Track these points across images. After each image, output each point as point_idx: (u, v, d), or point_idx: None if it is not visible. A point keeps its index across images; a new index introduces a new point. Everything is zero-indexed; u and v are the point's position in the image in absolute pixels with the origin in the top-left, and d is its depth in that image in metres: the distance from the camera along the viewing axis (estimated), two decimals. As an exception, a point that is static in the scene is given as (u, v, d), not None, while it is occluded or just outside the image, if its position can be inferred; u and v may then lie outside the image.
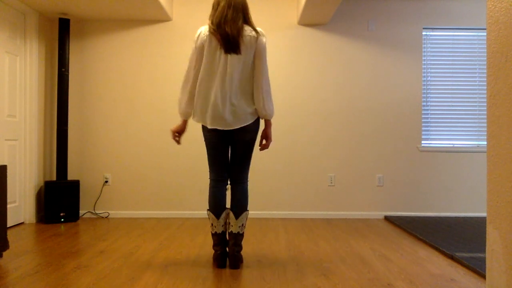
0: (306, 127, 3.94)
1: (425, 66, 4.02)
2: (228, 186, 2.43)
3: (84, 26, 3.93)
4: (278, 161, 3.93)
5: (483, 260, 2.42)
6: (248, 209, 2.40)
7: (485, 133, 4.03)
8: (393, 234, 3.26)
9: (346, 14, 3.97)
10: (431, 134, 4.02)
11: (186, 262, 2.44)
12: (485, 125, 4.02)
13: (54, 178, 3.92)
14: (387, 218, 3.83)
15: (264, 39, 2.28)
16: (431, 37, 4.04)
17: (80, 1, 3.37)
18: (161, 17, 3.84)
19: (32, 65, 3.58)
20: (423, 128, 4.01)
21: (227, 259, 2.35)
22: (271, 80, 3.92)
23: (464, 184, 3.96)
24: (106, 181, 3.91)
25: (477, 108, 4.02)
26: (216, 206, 2.33)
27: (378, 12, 3.99)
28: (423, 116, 4.01)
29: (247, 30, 2.25)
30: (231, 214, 2.32)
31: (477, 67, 4.02)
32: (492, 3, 1.25)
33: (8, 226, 3.37)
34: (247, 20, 2.28)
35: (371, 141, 3.96)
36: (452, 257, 2.56)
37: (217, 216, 2.32)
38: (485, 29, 4.05)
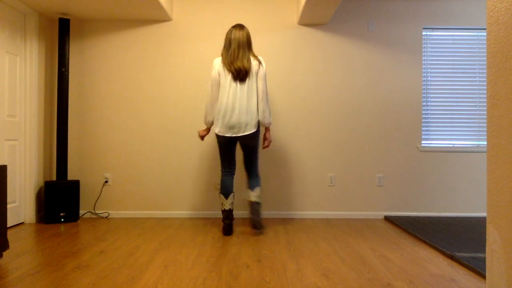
0: (306, 127, 3.94)
1: (425, 66, 4.02)
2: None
3: (84, 26, 3.93)
4: (278, 161, 3.93)
5: (483, 260, 2.42)
6: (261, 185, 3.32)
7: (485, 133, 4.04)
8: (393, 234, 3.26)
9: (346, 14, 3.97)
10: (431, 134, 4.02)
11: (186, 262, 2.44)
12: (485, 125, 4.03)
13: (54, 178, 3.92)
14: (387, 218, 3.83)
15: (264, 68, 3.11)
16: (431, 37, 4.04)
17: (80, 1, 3.37)
18: (161, 17, 3.84)
19: (32, 65, 3.58)
20: (423, 128, 4.01)
21: (251, 222, 3.19)
22: (271, 80, 3.93)
23: (464, 184, 3.96)
24: (106, 181, 3.91)
25: (477, 108, 4.02)
26: (225, 189, 3.15)
27: (378, 12, 3.99)
28: (423, 116, 4.01)
29: (252, 61, 3.06)
30: (249, 190, 3.16)
31: (477, 67, 4.02)
32: (492, 3, 1.25)
33: (8, 226, 3.37)
34: (250, 50, 3.10)
35: (371, 141, 3.96)
36: (452, 257, 2.56)
37: (226, 196, 3.14)
38: (485, 29, 4.05)
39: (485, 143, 4.02)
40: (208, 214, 3.91)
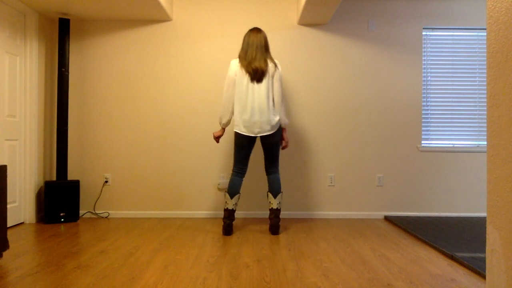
0: (306, 127, 3.94)
1: (425, 66, 4.02)
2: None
3: (84, 26, 3.93)
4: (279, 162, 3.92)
5: (483, 260, 2.42)
6: (282, 191, 3.31)
7: (485, 133, 4.04)
8: (393, 234, 3.26)
9: (346, 14, 3.97)
10: (431, 134, 4.02)
11: (186, 262, 2.44)
12: (485, 125, 4.03)
13: (54, 178, 3.92)
14: (387, 218, 3.83)
15: (280, 70, 3.19)
16: (431, 37, 4.04)
17: (80, 1, 3.37)
18: (161, 17, 3.85)
19: (32, 65, 3.58)
20: (423, 128, 4.01)
21: (270, 227, 3.20)
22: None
23: (464, 184, 3.96)
24: (106, 181, 3.91)
25: (477, 108, 4.02)
26: (232, 189, 3.17)
27: (378, 12, 3.99)
28: (423, 116, 4.01)
29: (269, 63, 3.14)
30: (271, 195, 3.19)
31: (477, 67, 4.02)
32: (492, 3, 1.25)
33: (8, 226, 3.37)
34: (268, 53, 3.18)
35: (371, 141, 3.96)
36: (452, 257, 2.56)
37: (231, 196, 3.16)
38: (485, 29, 4.05)
39: (485, 143, 4.02)
40: (208, 214, 3.92)
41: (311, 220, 3.80)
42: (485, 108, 4.05)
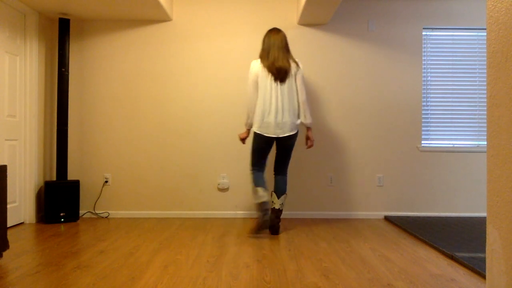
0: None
1: (425, 66, 4.02)
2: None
3: (84, 26, 3.93)
4: (278, 161, 3.93)
5: (483, 260, 2.42)
6: (286, 192, 3.24)
7: (485, 133, 4.03)
8: (393, 234, 3.26)
9: (346, 14, 3.97)
10: (431, 134, 4.02)
11: (186, 262, 2.44)
12: (485, 125, 4.03)
13: (54, 178, 3.92)
14: (387, 218, 3.82)
15: (302, 70, 3.22)
16: (431, 37, 4.04)
17: (80, 1, 3.37)
18: (161, 17, 3.85)
19: (32, 65, 3.58)
20: (423, 128, 4.01)
21: (270, 227, 3.15)
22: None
23: (464, 184, 3.96)
24: (106, 181, 3.91)
25: (477, 108, 4.02)
26: (259, 182, 3.13)
27: (378, 12, 3.99)
28: (423, 116, 4.01)
29: (291, 63, 3.11)
30: (274, 195, 3.17)
31: (477, 67, 4.02)
32: (492, 3, 1.25)
33: (8, 226, 3.37)
34: (289, 52, 3.15)
35: (371, 141, 3.96)
36: (452, 257, 2.56)
37: (264, 188, 3.09)
38: (485, 29, 4.05)
39: (485, 143, 4.02)
40: (208, 214, 3.92)
41: (311, 220, 3.80)
42: (485, 108, 4.05)
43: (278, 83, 3.06)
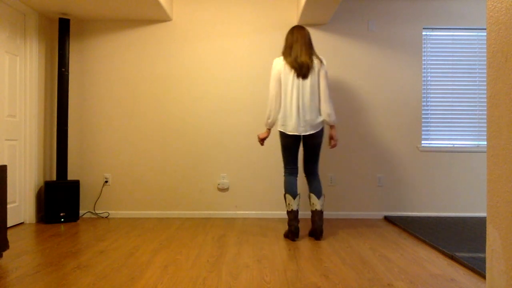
0: (306, 127, 3.94)
1: (425, 66, 4.02)
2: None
3: (84, 26, 3.93)
4: (278, 161, 3.93)
5: (483, 260, 2.42)
6: (324, 193, 3.19)
7: (485, 133, 4.03)
8: (393, 234, 3.26)
9: (346, 14, 3.97)
10: (431, 134, 4.02)
11: (186, 262, 2.44)
12: (485, 125, 4.03)
13: (54, 178, 3.92)
14: (387, 218, 3.82)
15: (326, 66, 3.06)
16: (431, 37, 4.04)
17: (80, 1, 3.37)
18: (161, 17, 3.85)
19: (32, 65, 3.58)
20: (423, 128, 4.01)
21: (313, 231, 3.02)
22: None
23: (464, 184, 3.96)
24: (106, 181, 3.91)
25: (477, 108, 4.02)
26: (292, 189, 3.03)
27: (378, 12, 3.99)
28: (423, 116, 4.01)
29: (314, 59, 3.03)
30: (314, 196, 3.02)
31: (477, 67, 4.02)
32: (492, 3, 1.25)
33: (8, 226, 3.37)
34: (312, 49, 3.06)
35: (371, 141, 3.96)
36: (452, 257, 2.56)
37: (294, 196, 3.00)
38: (485, 29, 4.05)
39: (485, 143, 4.02)
40: (209, 214, 3.92)
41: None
42: (485, 108, 4.05)
43: (301, 79, 2.98)
